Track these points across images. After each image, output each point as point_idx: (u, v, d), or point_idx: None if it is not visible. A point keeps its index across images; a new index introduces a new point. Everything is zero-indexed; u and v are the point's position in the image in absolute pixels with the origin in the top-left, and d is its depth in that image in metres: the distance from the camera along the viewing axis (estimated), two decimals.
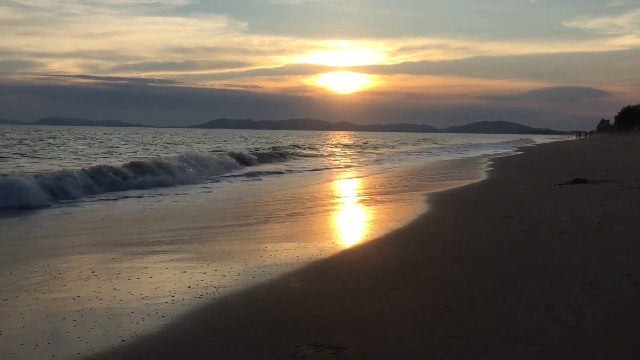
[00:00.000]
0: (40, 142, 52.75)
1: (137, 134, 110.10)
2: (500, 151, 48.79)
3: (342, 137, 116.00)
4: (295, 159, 38.52)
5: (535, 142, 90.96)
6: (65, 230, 10.12)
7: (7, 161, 28.51)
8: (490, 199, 12.61)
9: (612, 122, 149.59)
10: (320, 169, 28.78)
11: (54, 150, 40.35)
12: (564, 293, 5.00)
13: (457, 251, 6.86)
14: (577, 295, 4.93)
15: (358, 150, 55.28)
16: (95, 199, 14.91)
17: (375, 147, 63.73)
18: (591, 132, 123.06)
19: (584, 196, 11.77)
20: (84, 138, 69.27)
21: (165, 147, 51.79)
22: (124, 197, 15.23)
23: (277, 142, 64.10)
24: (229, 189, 18.02)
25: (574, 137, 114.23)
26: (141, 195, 15.78)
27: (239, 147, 47.18)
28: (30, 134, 75.48)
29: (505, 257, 6.47)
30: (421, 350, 3.85)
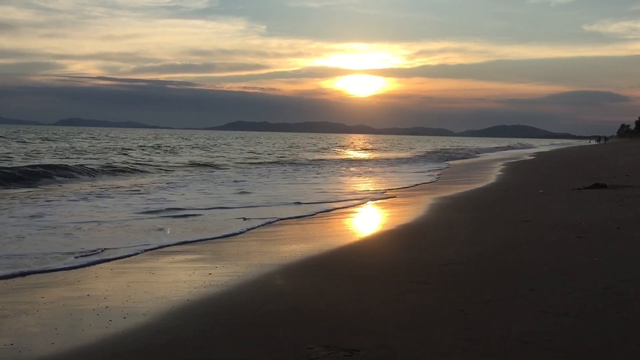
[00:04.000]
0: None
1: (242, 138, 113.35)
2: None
3: (442, 141, 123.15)
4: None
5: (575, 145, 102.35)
6: None
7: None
8: (508, 202, 12.51)
9: (632, 127, 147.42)
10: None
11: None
12: (582, 299, 4.94)
13: (473, 255, 6.81)
14: (595, 301, 4.86)
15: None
16: None
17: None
18: (607, 138, 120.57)
19: (603, 201, 11.62)
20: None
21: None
22: None
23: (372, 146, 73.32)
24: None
25: (594, 142, 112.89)
26: None
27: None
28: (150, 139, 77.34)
29: (522, 262, 6.40)
30: (436, 354, 3.82)
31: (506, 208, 11.48)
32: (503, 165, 30.52)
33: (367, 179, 22.24)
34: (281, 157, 39.33)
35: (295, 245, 7.86)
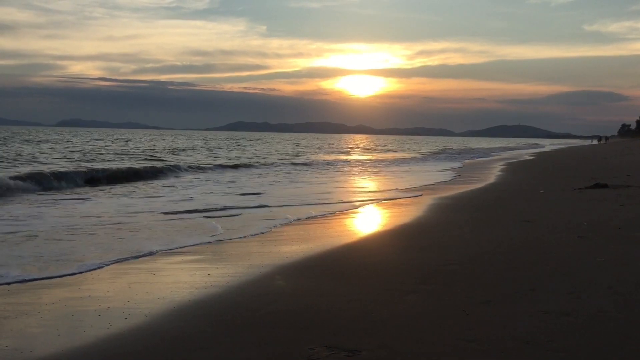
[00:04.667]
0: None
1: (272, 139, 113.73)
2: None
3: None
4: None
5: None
6: None
7: None
8: (509, 203, 12.50)
9: (633, 126, 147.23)
10: None
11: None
12: (583, 299, 4.93)
13: (474, 255, 6.80)
14: (596, 301, 4.85)
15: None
16: None
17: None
18: (607, 138, 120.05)
19: (604, 201, 11.62)
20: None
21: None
22: None
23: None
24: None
25: (595, 142, 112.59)
26: None
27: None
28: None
29: (523, 262, 6.40)
30: (437, 354, 3.82)
31: (507, 208, 11.47)
32: (503, 165, 30.55)
33: (390, 178, 23.34)
34: (295, 157, 40.36)
35: (296, 246, 7.86)
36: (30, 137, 64.08)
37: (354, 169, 29.87)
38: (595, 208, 10.65)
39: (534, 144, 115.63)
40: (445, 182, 19.82)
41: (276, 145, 70.88)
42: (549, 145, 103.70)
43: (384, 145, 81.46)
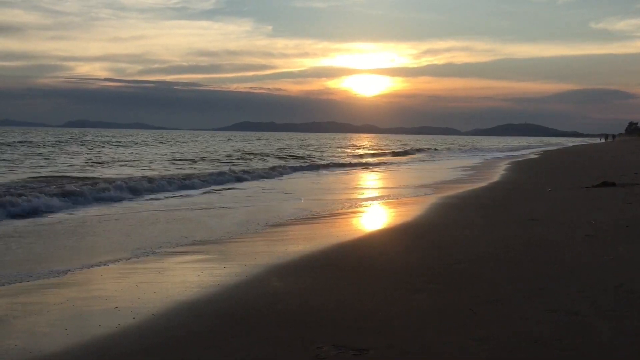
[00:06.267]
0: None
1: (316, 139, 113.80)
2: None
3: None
4: None
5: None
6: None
7: None
8: (516, 201, 12.46)
9: None
10: None
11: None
12: (592, 297, 4.91)
13: (482, 254, 6.78)
14: (605, 300, 4.83)
15: None
16: None
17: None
18: (614, 136, 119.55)
19: (612, 199, 11.56)
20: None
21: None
22: None
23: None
24: None
25: (603, 140, 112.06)
26: None
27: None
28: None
29: (531, 261, 6.38)
30: (445, 354, 3.81)
31: (514, 206, 11.43)
32: (508, 164, 30.45)
33: (431, 173, 25.94)
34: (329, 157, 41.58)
35: (303, 245, 7.86)
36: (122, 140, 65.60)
37: (391, 167, 31.52)
38: (603, 206, 10.60)
39: (556, 142, 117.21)
40: (449, 182, 19.76)
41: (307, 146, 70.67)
42: (572, 143, 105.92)
43: (406, 145, 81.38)
